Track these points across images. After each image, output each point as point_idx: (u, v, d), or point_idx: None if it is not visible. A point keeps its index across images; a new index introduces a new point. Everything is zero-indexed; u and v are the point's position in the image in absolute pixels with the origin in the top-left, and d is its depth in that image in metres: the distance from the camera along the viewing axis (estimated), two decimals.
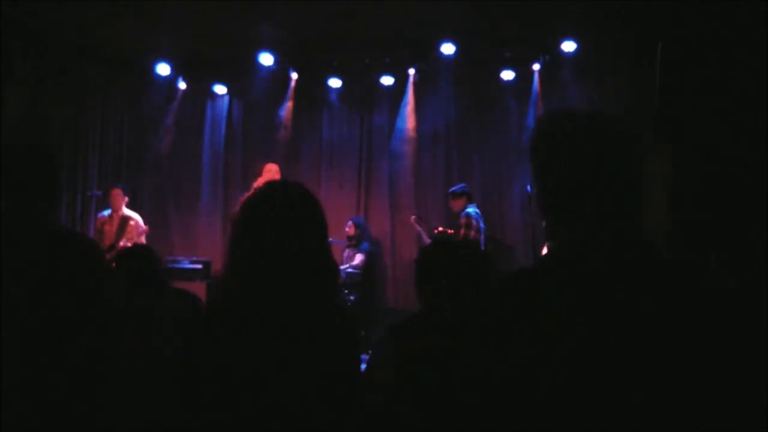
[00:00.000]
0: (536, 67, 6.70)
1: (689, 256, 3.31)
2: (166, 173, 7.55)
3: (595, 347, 1.02)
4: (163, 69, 7.07)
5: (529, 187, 5.63)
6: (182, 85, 7.41)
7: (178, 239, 7.42)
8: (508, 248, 6.82)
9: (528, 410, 1.03)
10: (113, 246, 5.64)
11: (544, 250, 4.83)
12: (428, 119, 7.07)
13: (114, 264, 3.18)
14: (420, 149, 7.15)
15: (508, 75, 6.81)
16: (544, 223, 1.19)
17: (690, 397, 1.00)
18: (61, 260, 1.66)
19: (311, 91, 7.39)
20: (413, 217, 6.55)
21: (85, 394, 1.61)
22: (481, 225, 5.92)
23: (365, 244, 6.67)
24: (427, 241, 6.17)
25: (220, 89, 7.52)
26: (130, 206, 6.15)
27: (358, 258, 6.57)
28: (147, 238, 6.06)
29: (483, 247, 5.91)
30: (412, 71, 6.99)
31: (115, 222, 5.94)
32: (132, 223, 5.96)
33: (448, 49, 6.53)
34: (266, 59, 6.90)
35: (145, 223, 6.11)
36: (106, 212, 6.08)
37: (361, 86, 7.33)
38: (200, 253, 6.85)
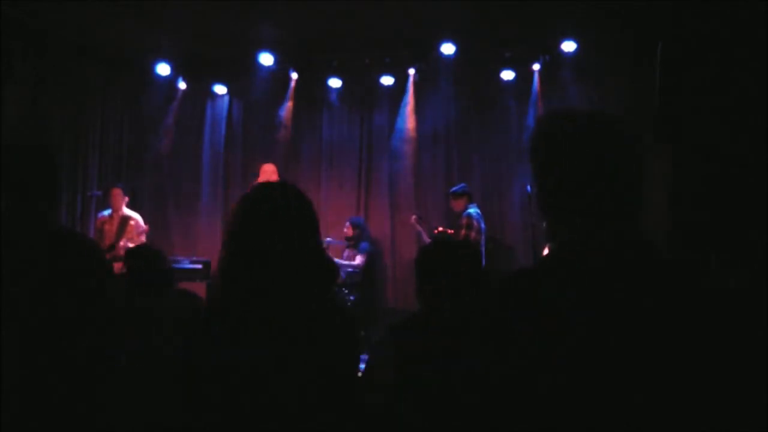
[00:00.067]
0: (536, 67, 6.69)
1: (689, 256, 3.31)
2: (166, 173, 7.55)
3: (595, 347, 1.02)
4: (163, 69, 7.07)
5: (529, 187, 5.63)
6: (182, 85, 7.41)
7: (178, 239, 7.42)
8: (508, 248, 6.82)
9: (528, 410, 1.03)
10: (113, 246, 5.64)
11: (545, 251, 4.83)
12: (428, 119, 7.07)
13: (123, 263, 3.19)
14: (420, 149, 7.15)
15: (508, 75, 6.81)
16: (544, 224, 1.19)
17: (690, 397, 1.00)
18: (61, 260, 1.66)
19: (311, 91, 7.39)
20: (414, 216, 6.55)
21: (85, 394, 1.61)
22: (482, 225, 5.92)
23: (364, 244, 6.67)
24: (428, 241, 6.17)
25: (220, 89, 7.52)
26: (130, 206, 6.15)
27: (359, 259, 6.57)
28: (147, 237, 6.07)
29: (483, 248, 5.92)
30: (412, 71, 6.99)
31: (115, 222, 5.94)
32: (132, 222, 5.97)
33: (448, 49, 6.53)
34: (266, 59, 6.90)
35: (145, 223, 6.11)
36: (106, 212, 6.08)
37: (361, 86, 7.33)
38: (200, 253, 6.85)
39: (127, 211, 6.05)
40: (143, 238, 6.04)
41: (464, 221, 5.87)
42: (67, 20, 6.00)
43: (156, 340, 2.49)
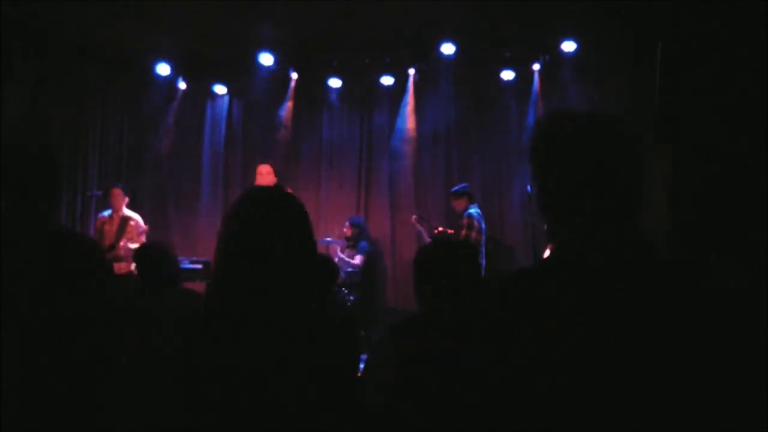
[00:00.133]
0: (536, 67, 6.70)
1: (689, 256, 3.31)
2: (166, 173, 7.55)
3: (595, 347, 1.02)
4: (163, 69, 7.07)
5: (529, 187, 5.63)
6: (182, 85, 7.41)
7: (178, 239, 7.42)
8: (508, 248, 6.82)
9: (528, 410, 1.03)
10: (113, 246, 5.64)
11: (547, 252, 4.83)
12: (428, 119, 7.07)
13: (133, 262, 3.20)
14: (420, 149, 7.15)
15: (508, 75, 6.81)
16: (545, 225, 1.19)
17: (690, 397, 1.00)
18: (61, 260, 1.66)
19: (311, 91, 7.39)
20: (414, 216, 6.55)
21: (85, 394, 1.61)
22: (483, 226, 5.92)
23: (363, 244, 6.67)
24: (428, 240, 6.17)
25: (220, 89, 7.53)
26: (130, 206, 6.14)
27: (357, 258, 6.57)
28: (147, 238, 6.07)
29: (483, 248, 5.92)
30: (412, 71, 6.99)
31: (116, 222, 5.94)
32: (132, 223, 5.96)
33: (448, 49, 6.53)
34: (266, 59, 6.90)
35: (145, 223, 6.11)
36: (107, 212, 6.08)
37: (361, 86, 7.33)
38: (200, 253, 6.85)
39: (127, 212, 6.04)
40: (143, 239, 6.04)
41: (465, 221, 5.87)
42: (67, 20, 6.00)
43: (156, 339, 2.49)
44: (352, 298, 6.25)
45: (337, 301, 5.54)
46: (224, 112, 7.63)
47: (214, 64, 7.17)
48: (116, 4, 5.53)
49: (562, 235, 1.16)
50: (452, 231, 6.14)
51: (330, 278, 3.58)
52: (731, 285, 1.17)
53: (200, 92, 7.57)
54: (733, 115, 3.13)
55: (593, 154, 1.12)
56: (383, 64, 6.99)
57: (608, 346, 1.01)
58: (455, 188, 6.21)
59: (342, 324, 1.53)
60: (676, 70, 3.38)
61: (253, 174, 6.31)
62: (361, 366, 1.92)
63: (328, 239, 6.65)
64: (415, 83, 7.05)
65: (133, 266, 5.94)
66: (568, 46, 6.32)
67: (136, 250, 3.42)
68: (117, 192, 6.02)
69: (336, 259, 6.36)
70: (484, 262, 5.95)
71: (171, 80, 7.29)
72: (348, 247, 6.73)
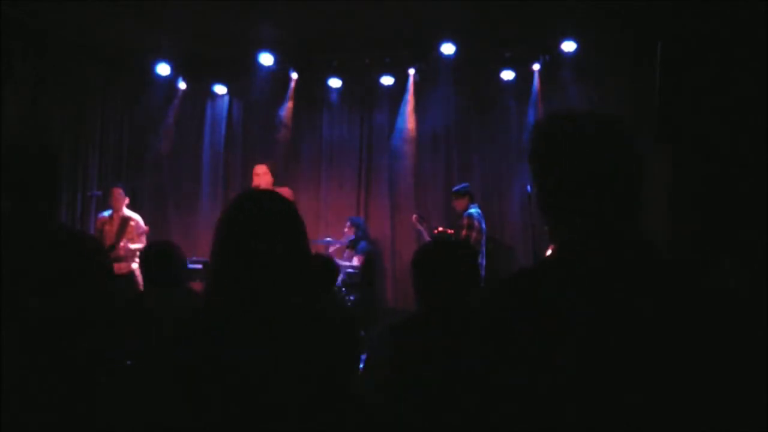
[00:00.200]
0: (536, 67, 6.70)
1: (689, 256, 3.31)
2: (166, 173, 7.55)
3: (596, 347, 1.02)
4: (163, 69, 7.08)
5: (529, 187, 5.64)
6: (182, 85, 7.41)
7: (178, 239, 7.40)
8: (508, 248, 6.82)
9: (528, 410, 1.03)
10: (113, 246, 5.64)
11: (549, 252, 4.83)
12: (428, 119, 7.07)
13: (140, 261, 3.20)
14: (420, 149, 7.15)
15: (508, 75, 6.81)
16: (547, 226, 1.19)
17: (690, 397, 1.00)
18: (61, 260, 1.66)
19: (311, 91, 7.39)
20: (415, 216, 6.55)
21: (85, 394, 1.61)
22: (483, 225, 5.92)
23: (363, 244, 6.67)
24: (428, 240, 6.17)
25: (220, 89, 7.53)
26: (130, 206, 6.14)
27: (356, 259, 6.57)
28: (147, 238, 6.07)
29: (484, 248, 5.92)
30: (412, 71, 6.99)
31: (116, 222, 5.93)
32: (132, 223, 5.96)
33: (448, 49, 6.53)
34: (266, 59, 6.90)
35: (145, 224, 6.11)
36: (107, 213, 6.08)
37: (361, 86, 7.33)
38: (200, 253, 6.84)
39: (127, 212, 6.04)
40: (143, 239, 6.04)
41: (465, 221, 5.87)
42: (67, 20, 6.00)
43: (157, 339, 2.49)
44: (352, 298, 6.25)
45: (337, 301, 5.54)
46: (224, 112, 7.63)
47: (214, 64, 7.18)
48: (116, 4, 5.53)
49: (562, 235, 1.16)
50: (452, 231, 6.14)
51: (330, 278, 3.58)
52: (731, 285, 1.16)
53: (200, 92, 7.57)
54: (733, 115, 3.13)
55: (593, 154, 1.12)
56: (383, 64, 6.99)
57: (608, 346, 1.01)
58: (456, 188, 6.21)
59: (342, 324, 1.53)
60: (676, 70, 3.38)
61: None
62: (361, 366, 1.92)
63: (328, 239, 6.65)
64: (415, 83, 7.05)
65: (133, 266, 5.96)
66: (568, 46, 6.32)
67: (143, 249, 3.42)
68: (117, 192, 6.02)
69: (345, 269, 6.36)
70: (484, 262, 5.95)
71: (171, 80, 7.29)
72: (348, 247, 6.73)
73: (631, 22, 5.52)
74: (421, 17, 5.88)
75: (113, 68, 7.17)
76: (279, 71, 7.09)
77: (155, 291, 3.09)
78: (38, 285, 1.61)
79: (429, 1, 5.47)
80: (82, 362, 1.62)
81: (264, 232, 1.47)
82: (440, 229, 6.27)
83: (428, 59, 6.77)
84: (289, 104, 7.35)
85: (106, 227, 5.95)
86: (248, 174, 7.05)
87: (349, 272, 6.42)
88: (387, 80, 7.12)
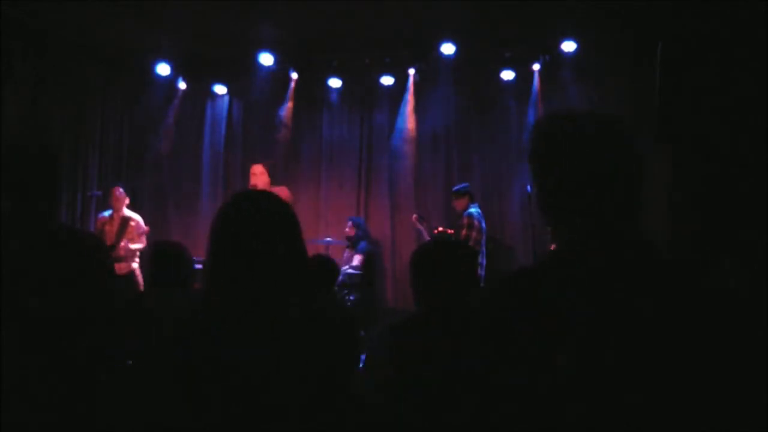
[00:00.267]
0: (536, 67, 6.70)
1: (689, 256, 3.32)
2: (166, 173, 7.55)
3: (596, 347, 1.02)
4: (163, 69, 7.08)
5: (529, 187, 5.64)
6: (182, 85, 7.41)
7: (178, 239, 7.38)
8: (508, 248, 6.82)
9: (528, 410, 1.03)
10: (114, 247, 5.64)
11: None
12: (428, 119, 7.07)
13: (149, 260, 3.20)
14: (420, 149, 7.15)
15: (508, 75, 6.81)
16: (549, 227, 1.19)
17: (690, 397, 1.00)
18: (61, 260, 1.66)
19: (311, 91, 7.39)
20: (415, 215, 6.56)
21: (85, 394, 1.61)
22: (483, 225, 5.92)
23: (363, 244, 6.66)
24: (428, 240, 6.17)
25: (220, 89, 7.53)
26: (130, 206, 6.14)
27: (356, 259, 6.57)
28: (147, 238, 6.07)
29: (484, 247, 5.92)
30: (412, 71, 6.99)
31: (116, 223, 5.93)
32: (133, 223, 5.96)
33: (448, 49, 6.53)
34: (266, 59, 6.90)
35: (145, 224, 6.11)
36: (107, 213, 6.08)
37: (361, 86, 7.33)
38: (200, 253, 6.82)
39: (127, 212, 6.04)
40: (144, 239, 6.04)
41: (465, 221, 5.87)
42: (67, 20, 6.00)
43: (156, 339, 2.49)
44: (352, 298, 6.25)
45: (337, 301, 5.54)
46: (224, 112, 7.63)
47: (214, 64, 7.17)
48: (116, 4, 5.53)
49: (562, 235, 1.16)
50: (452, 231, 6.14)
51: (330, 278, 3.58)
52: (731, 285, 1.16)
53: (200, 92, 7.57)
54: (733, 115, 3.13)
55: (593, 154, 1.12)
56: (383, 64, 6.99)
57: (608, 346, 1.01)
58: (457, 187, 6.21)
59: (342, 324, 1.53)
60: (676, 70, 3.38)
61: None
62: (361, 366, 1.92)
63: (328, 239, 6.65)
64: (415, 83, 7.05)
65: (133, 265, 5.96)
66: (568, 46, 6.32)
67: (151, 249, 3.41)
68: (118, 192, 6.02)
69: (345, 270, 6.35)
70: (484, 261, 5.95)
71: (171, 80, 7.29)
72: (348, 247, 6.72)
73: (631, 22, 5.52)
74: (421, 17, 5.88)
75: (113, 68, 7.17)
76: (279, 71, 7.09)
77: (155, 291, 3.08)
78: (38, 285, 1.61)
79: (429, 1, 5.47)
80: (82, 362, 1.62)
81: (261, 232, 1.48)
82: (440, 229, 6.27)
83: (428, 59, 6.77)
84: (289, 104, 7.35)
85: (107, 227, 5.95)
86: (248, 174, 7.05)
87: (349, 272, 6.42)
88: (387, 80, 7.12)
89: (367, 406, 1.81)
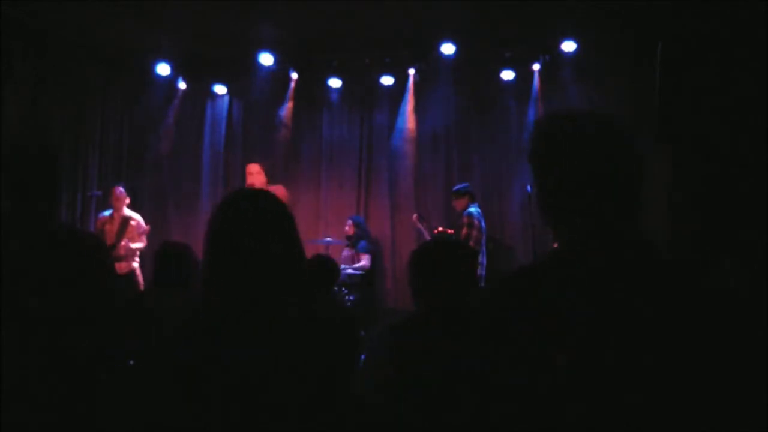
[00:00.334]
0: (536, 67, 6.69)
1: (689, 256, 3.31)
2: (166, 173, 7.54)
3: (595, 347, 1.02)
4: (163, 69, 7.07)
5: (529, 187, 5.64)
6: (182, 85, 7.41)
7: (178, 239, 7.40)
8: (508, 248, 6.82)
9: (528, 410, 1.03)
10: (114, 246, 5.64)
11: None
12: (428, 119, 7.07)
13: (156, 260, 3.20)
14: (420, 149, 7.15)
15: (508, 75, 6.81)
16: (551, 228, 1.19)
17: (690, 397, 1.00)
18: (61, 260, 1.66)
19: (311, 91, 7.39)
20: (415, 215, 6.56)
21: (85, 394, 1.61)
22: (483, 224, 5.93)
23: (364, 243, 6.66)
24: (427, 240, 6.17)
25: (220, 89, 7.52)
26: (130, 206, 6.14)
27: (365, 258, 6.55)
28: (147, 238, 6.07)
29: (484, 247, 5.92)
30: (412, 71, 6.99)
31: (116, 222, 5.93)
32: (133, 223, 5.96)
33: (448, 49, 6.53)
34: (266, 59, 6.90)
35: (145, 223, 6.11)
36: (107, 212, 6.08)
37: (361, 86, 7.33)
38: (200, 253, 6.83)
39: (128, 212, 6.04)
40: (144, 239, 6.04)
41: (465, 220, 5.88)
42: (67, 20, 6.00)
43: (156, 339, 2.49)
44: (352, 298, 6.25)
45: (337, 301, 5.53)
46: (224, 112, 7.63)
47: (214, 64, 7.17)
48: (116, 4, 5.53)
49: (563, 235, 1.16)
50: (452, 231, 6.14)
51: (330, 278, 3.58)
52: (731, 285, 1.16)
53: (200, 92, 7.57)
54: (733, 115, 3.13)
55: (593, 154, 1.12)
56: (383, 64, 6.99)
57: (608, 346, 1.01)
58: (457, 187, 6.21)
59: (342, 324, 1.53)
60: (676, 70, 3.38)
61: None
62: (361, 366, 1.92)
63: (328, 239, 6.65)
64: (415, 83, 7.05)
65: (134, 265, 5.96)
66: (568, 46, 6.32)
67: (156, 249, 3.41)
68: (118, 192, 6.02)
69: (345, 270, 6.35)
70: (485, 261, 5.95)
71: (171, 80, 7.29)
72: (348, 246, 6.72)
73: (631, 22, 5.52)
74: (421, 17, 5.88)
75: (113, 68, 7.17)
76: (279, 71, 7.09)
77: (155, 291, 3.09)
78: (38, 284, 1.61)
79: (429, 1, 5.47)
80: (82, 362, 1.62)
81: (258, 230, 1.48)
82: (440, 228, 6.27)
83: (428, 59, 6.77)
84: (289, 104, 7.34)
85: (107, 227, 5.95)
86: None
87: (350, 272, 6.42)
88: (387, 80, 7.12)
89: (367, 406, 1.81)
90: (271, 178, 5.82)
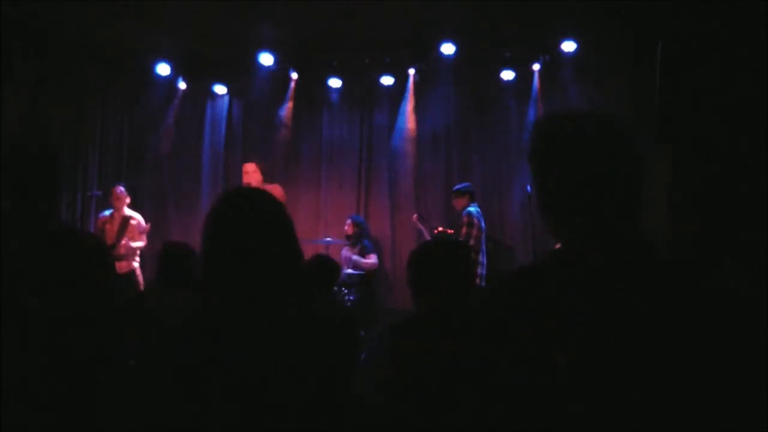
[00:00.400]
0: (536, 67, 6.69)
1: (689, 256, 3.31)
2: (166, 173, 7.54)
3: (595, 347, 1.02)
4: (163, 69, 7.07)
5: (529, 187, 5.64)
6: (182, 85, 7.41)
7: (178, 239, 7.40)
8: (508, 248, 6.82)
9: (528, 410, 1.03)
10: (114, 246, 5.64)
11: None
12: (428, 119, 7.07)
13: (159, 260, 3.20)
14: (420, 149, 7.15)
15: (508, 75, 6.81)
16: (551, 228, 1.19)
17: (690, 397, 1.00)
18: (61, 260, 1.66)
19: (311, 91, 7.39)
20: (415, 215, 6.55)
21: (85, 394, 1.61)
22: (482, 224, 5.93)
23: (367, 242, 6.66)
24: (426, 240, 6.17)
25: (220, 89, 7.52)
26: (130, 206, 6.14)
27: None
28: (147, 237, 6.07)
29: (484, 246, 5.92)
30: (412, 71, 6.99)
31: (117, 222, 5.93)
32: (133, 222, 5.97)
33: (448, 49, 6.52)
34: (266, 59, 6.90)
35: (146, 223, 6.11)
36: (107, 212, 6.08)
37: (361, 86, 7.32)
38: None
39: (128, 211, 6.05)
40: (144, 238, 6.04)
41: (465, 219, 5.88)
42: (67, 20, 6.00)
43: (156, 339, 2.49)
44: (352, 298, 6.24)
45: (337, 301, 5.53)
46: (224, 112, 7.63)
47: (214, 64, 7.17)
48: (116, 4, 5.53)
49: (563, 235, 1.16)
50: (452, 231, 6.14)
51: (330, 278, 3.58)
52: (731, 285, 1.16)
53: (200, 92, 7.56)
54: (733, 115, 3.13)
55: (593, 154, 1.12)
56: (383, 64, 6.99)
57: (608, 346, 1.01)
58: (457, 187, 6.21)
59: (342, 324, 1.53)
60: (676, 70, 3.38)
61: None
62: (361, 366, 1.92)
63: (328, 239, 6.64)
64: (415, 83, 7.05)
65: (134, 264, 5.96)
66: (568, 46, 6.32)
67: (159, 249, 3.41)
68: (119, 191, 6.02)
69: (350, 258, 6.34)
70: (485, 260, 5.95)
71: (171, 80, 7.28)
72: (348, 245, 6.72)
73: (631, 22, 5.52)
74: (421, 17, 5.88)
75: (113, 68, 7.17)
76: (279, 71, 7.09)
77: (156, 290, 3.09)
78: (38, 284, 1.61)
79: (429, 1, 5.47)
80: (82, 362, 1.62)
81: (254, 229, 1.48)
82: (440, 228, 6.27)
83: (428, 59, 6.76)
84: (289, 104, 7.34)
85: (107, 226, 5.95)
86: None
87: (349, 272, 6.41)
88: (387, 80, 7.12)
89: (367, 406, 1.81)
90: (268, 178, 5.81)
